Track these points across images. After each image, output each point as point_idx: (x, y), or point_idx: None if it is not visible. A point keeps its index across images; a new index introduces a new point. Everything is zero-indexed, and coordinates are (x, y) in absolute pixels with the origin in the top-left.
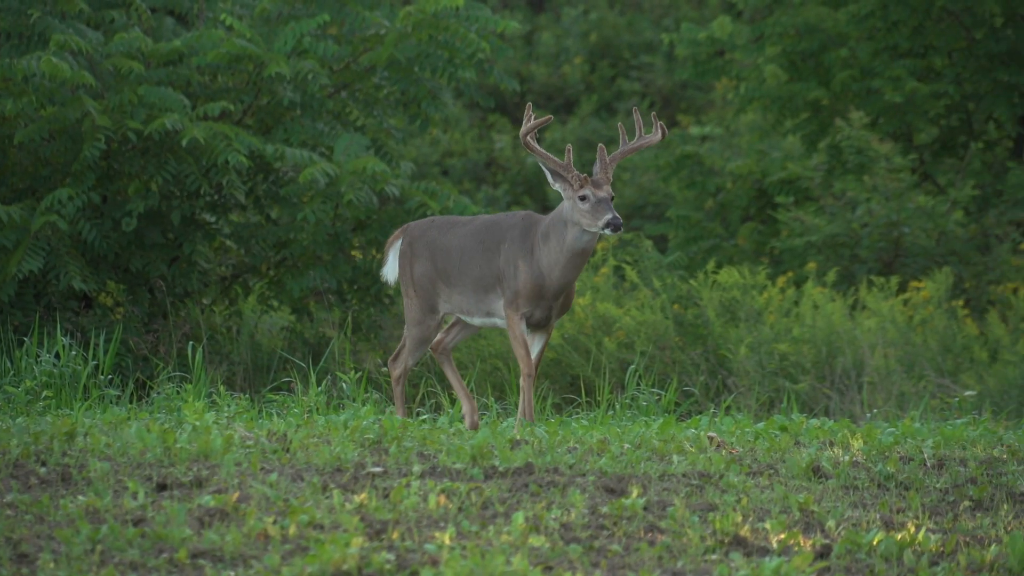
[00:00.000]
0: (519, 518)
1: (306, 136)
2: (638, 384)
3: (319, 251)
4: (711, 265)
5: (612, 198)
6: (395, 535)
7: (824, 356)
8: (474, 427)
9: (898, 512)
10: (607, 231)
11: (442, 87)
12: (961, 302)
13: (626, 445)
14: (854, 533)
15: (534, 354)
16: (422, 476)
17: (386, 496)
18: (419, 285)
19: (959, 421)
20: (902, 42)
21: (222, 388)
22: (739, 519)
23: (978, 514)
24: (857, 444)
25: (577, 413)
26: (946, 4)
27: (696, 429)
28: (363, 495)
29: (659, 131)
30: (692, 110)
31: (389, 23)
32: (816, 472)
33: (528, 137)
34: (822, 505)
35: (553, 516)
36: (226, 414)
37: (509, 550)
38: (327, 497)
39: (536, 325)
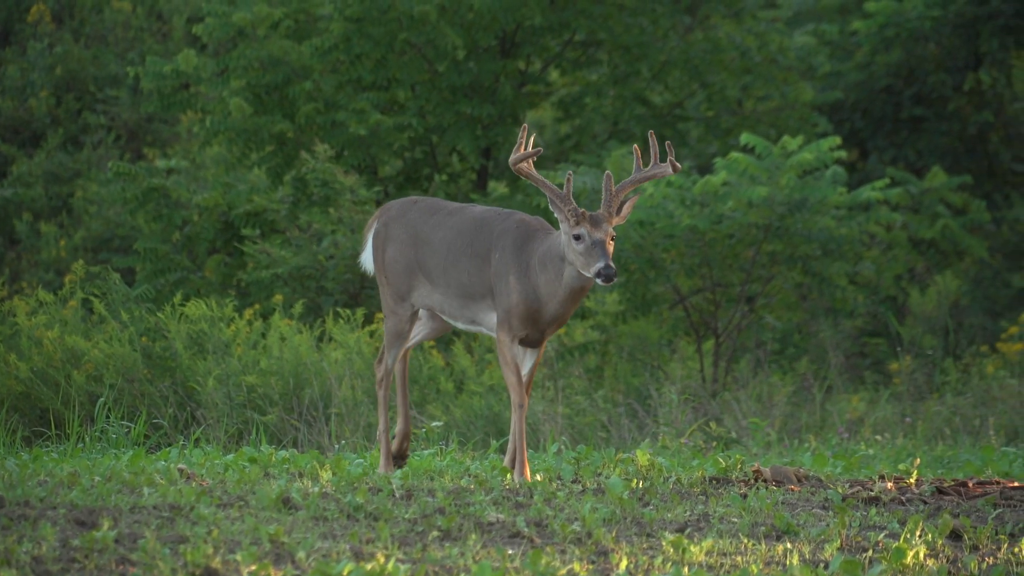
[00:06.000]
0: None
1: None
2: (108, 417)
3: None
4: (178, 298)
5: (613, 238)
6: None
7: (292, 388)
8: (400, 455)
9: (368, 542)
10: (598, 280)
11: None
12: None
13: (97, 478)
14: (324, 564)
15: (524, 374)
16: None
17: None
18: (391, 271)
19: (427, 452)
20: (365, 75)
21: None
22: (210, 551)
23: (446, 544)
24: (326, 475)
25: (47, 446)
26: (409, 37)
27: (166, 461)
28: None
29: (670, 166)
30: (158, 143)
31: None
32: (286, 503)
33: (522, 164)
34: (292, 536)
35: (24, 549)
36: None
37: None
38: None
39: (525, 343)
